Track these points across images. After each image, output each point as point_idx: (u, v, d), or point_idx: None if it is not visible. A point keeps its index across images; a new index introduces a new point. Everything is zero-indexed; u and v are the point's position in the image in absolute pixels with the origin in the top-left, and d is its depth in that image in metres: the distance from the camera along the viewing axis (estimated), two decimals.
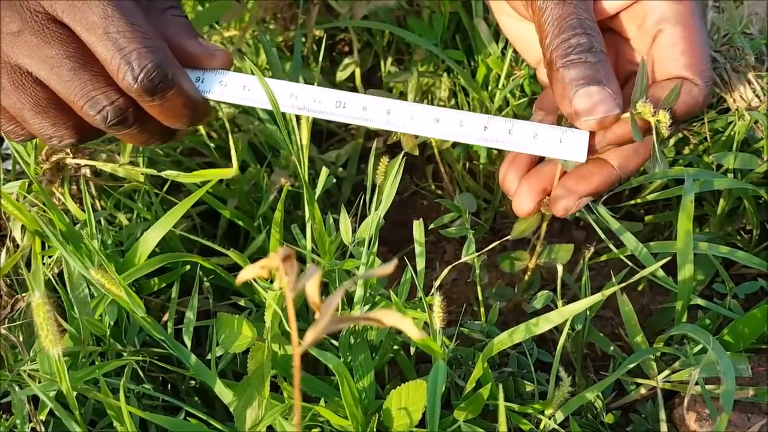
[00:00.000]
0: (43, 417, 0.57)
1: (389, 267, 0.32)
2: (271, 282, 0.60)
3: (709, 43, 0.55)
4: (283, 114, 0.62)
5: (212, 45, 0.57)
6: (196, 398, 0.66)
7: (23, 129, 0.54)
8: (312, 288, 0.30)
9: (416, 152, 0.68)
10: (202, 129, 0.83)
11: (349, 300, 0.63)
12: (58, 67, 0.50)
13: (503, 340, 0.54)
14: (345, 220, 0.61)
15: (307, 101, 0.56)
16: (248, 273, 0.32)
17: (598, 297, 0.52)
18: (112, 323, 0.60)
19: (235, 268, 0.68)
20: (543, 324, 0.52)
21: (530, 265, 0.66)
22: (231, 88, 0.57)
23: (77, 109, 0.51)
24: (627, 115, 0.52)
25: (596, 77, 0.51)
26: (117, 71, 0.50)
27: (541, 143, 0.54)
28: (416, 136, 0.65)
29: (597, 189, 0.56)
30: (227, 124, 0.69)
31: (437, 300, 0.53)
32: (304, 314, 0.67)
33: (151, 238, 0.62)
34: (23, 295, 0.62)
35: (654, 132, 0.51)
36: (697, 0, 0.55)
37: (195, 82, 0.56)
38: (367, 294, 0.60)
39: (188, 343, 0.60)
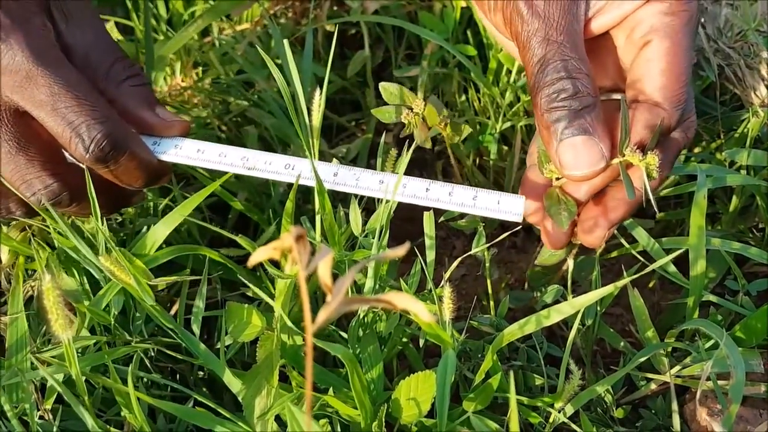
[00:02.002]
0: (49, 406, 0.57)
1: (402, 249, 0.31)
2: (280, 267, 0.60)
3: (692, 62, 0.54)
4: (296, 109, 0.62)
5: (170, 115, 0.60)
6: (204, 389, 0.66)
7: None
8: (324, 269, 0.30)
9: (429, 145, 0.67)
10: (213, 122, 0.83)
11: (358, 292, 0.63)
12: None
13: (514, 332, 0.53)
14: (355, 211, 0.61)
15: (258, 162, 0.59)
16: (261, 254, 0.32)
17: (610, 288, 0.51)
18: (117, 313, 0.60)
19: (244, 261, 0.68)
20: (554, 315, 0.52)
21: (569, 260, 0.65)
22: (186, 150, 0.59)
23: (15, 189, 0.54)
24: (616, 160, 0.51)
25: (582, 126, 0.50)
26: (69, 143, 0.53)
27: (480, 204, 0.56)
28: (429, 128, 0.65)
29: (624, 215, 0.55)
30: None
31: (447, 291, 0.53)
32: (313, 304, 0.67)
33: (161, 231, 0.62)
34: (32, 283, 0.62)
35: (644, 175, 0.50)
36: (691, 13, 0.52)
37: (152, 145, 0.59)
38: (377, 285, 0.60)
39: (197, 331, 0.60)
